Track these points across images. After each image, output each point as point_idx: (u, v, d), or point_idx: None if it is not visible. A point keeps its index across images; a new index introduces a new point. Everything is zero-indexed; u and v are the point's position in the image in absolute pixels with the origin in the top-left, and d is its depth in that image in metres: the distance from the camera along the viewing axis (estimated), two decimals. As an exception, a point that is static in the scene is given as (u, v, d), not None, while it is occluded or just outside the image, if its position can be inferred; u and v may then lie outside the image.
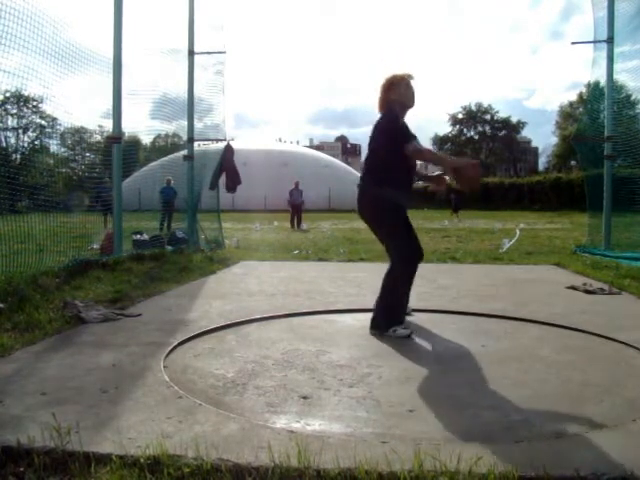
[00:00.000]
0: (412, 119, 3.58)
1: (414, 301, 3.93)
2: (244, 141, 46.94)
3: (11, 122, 9.67)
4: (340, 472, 1.59)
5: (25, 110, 9.24)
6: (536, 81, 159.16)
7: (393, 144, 3.33)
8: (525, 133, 80.00)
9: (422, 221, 18.17)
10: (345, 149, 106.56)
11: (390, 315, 3.39)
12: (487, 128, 71.00)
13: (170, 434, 1.87)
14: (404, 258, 3.39)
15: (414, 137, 3.36)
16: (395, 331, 3.32)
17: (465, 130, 71.52)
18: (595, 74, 8.66)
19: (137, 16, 6.78)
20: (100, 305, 4.10)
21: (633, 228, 8.03)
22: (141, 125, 7.99)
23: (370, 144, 3.50)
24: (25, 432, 1.83)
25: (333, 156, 59.41)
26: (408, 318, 3.70)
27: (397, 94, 3.47)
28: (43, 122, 9.25)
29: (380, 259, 7.47)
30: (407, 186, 3.49)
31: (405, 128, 3.41)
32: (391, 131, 3.37)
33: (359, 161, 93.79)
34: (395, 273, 3.38)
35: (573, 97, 55.79)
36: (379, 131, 3.46)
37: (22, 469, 1.65)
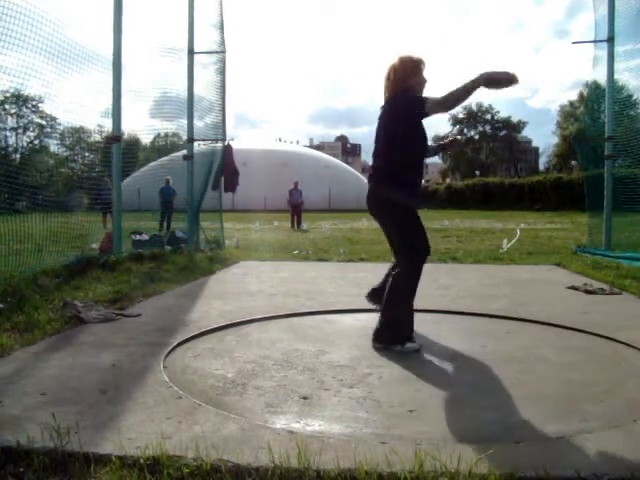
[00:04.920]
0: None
1: (415, 300, 3.93)
2: (244, 141, 46.93)
3: (11, 122, 9.66)
4: (340, 473, 1.59)
5: (24, 110, 9.24)
6: (540, 80, 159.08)
7: (412, 130, 3.07)
8: (526, 133, 80.00)
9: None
10: (345, 149, 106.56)
11: (397, 330, 3.10)
12: (487, 128, 70.99)
13: (170, 434, 1.86)
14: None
15: (425, 98, 3.01)
16: (404, 346, 3.05)
17: (465, 130, 71.49)
18: (596, 74, 8.66)
19: (137, 15, 6.78)
20: (100, 305, 4.10)
21: (633, 228, 8.02)
22: (141, 124, 8.00)
23: (380, 132, 3.16)
24: (24, 432, 1.82)
25: (333, 156, 59.42)
26: None
27: (419, 79, 3.11)
28: (42, 122, 9.25)
29: (380, 259, 7.47)
30: (418, 185, 3.28)
31: (417, 97, 3.04)
32: (409, 109, 3.03)
33: (359, 161, 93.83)
34: (403, 282, 3.15)
35: (576, 96, 55.54)
36: (395, 116, 3.11)
37: (22, 469, 1.65)
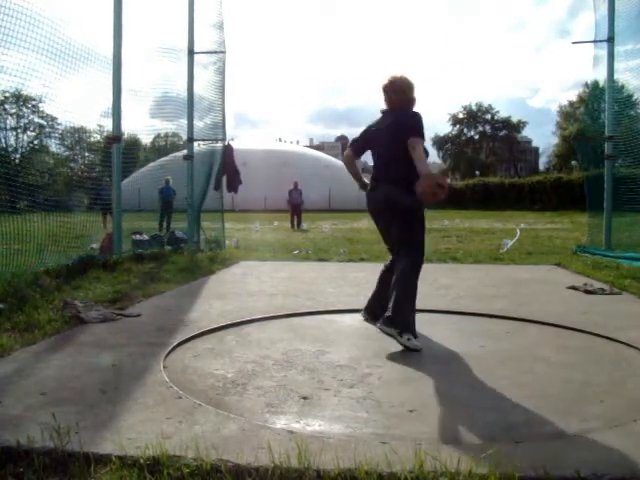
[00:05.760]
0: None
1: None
2: (244, 141, 46.92)
3: (10, 122, 9.67)
4: (340, 473, 1.59)
5: (24, 110, 9.25)
6: (541, 80, 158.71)
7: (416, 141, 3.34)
8: (526, 133, 79.77)
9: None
10: (345, 149, 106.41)
11: (411, 316, 3.17)
12: (487, 128, 70.98)
13: (170, 434, 1.86)
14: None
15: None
16: (409, 340, 3.06)
17: (465, 130, 71.49)
18: (596, 73, 8.66)
19: (137, 15, 6.78)
20: (100, 305, 4.10)
21: (633, 228, 8.02)
22: (141, 124, 8.00)
23: (396, 141, 3.37)
24: (25, 432, 1.82)
25: (333, 156, 59.31)
26: None
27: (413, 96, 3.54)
28: (42, 122, 9.25)
29: (380, 259, 7.46)
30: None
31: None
32: (419, 128, 3.36)
33: (359, 161, 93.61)
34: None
35: (576, 97, 55.47)
36: (410, 128, 3.34)
37: (22, 469, 1.65)
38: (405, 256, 3.34)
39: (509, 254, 8.62)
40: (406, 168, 3.28)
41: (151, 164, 10.27)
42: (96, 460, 1.67)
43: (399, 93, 3.48)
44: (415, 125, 3.34)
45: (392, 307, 3.18)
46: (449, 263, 7.66)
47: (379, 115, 3.62)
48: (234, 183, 9.54)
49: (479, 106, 70.77)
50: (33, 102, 8.57)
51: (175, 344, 3.10)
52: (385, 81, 3.53)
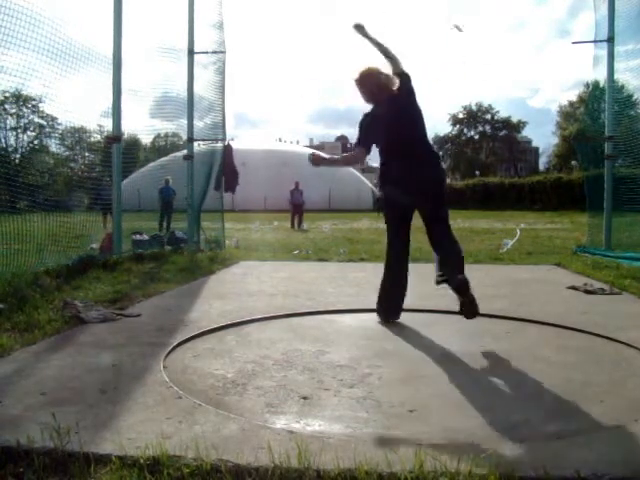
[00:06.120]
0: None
1: (415, 300, 3.94)
2: (244, 141, 46.92)
3: (10, 122, 9.67)
4: (340, 473, 1.59)
5: (24, 110, 9.24)
6: (541, 80, 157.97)
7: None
8: (526, 133, 79.63)
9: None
10: (345, 149, 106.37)
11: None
12: (487, 128, 70.97)
13: (170, 434, 1.86)
14: None
15: None
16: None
17: (465, 130, 71.48)
18: (596, 73, 8.66)
19: (137, 15, 6.78)
20: (100, 305, 4.10)
21: (633, 228, 8.02)
22: (141, 124, 8.00)
23: (410, 114, 3.67)
24: (24, 432, 1.82)
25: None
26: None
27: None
28: (42, 122, 9.25)
29: (380, 259, 7.45)
30: None
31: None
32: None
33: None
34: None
35: (576, 97, 55.46)
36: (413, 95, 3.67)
37: (22, 469, 1.65)
38: (448, 230, 3.72)
39: (509, 254, 8.62)
40: (427, 142, 3.70)
41: (151, 164, 10.26)
42: (96, 460, 1.67)
43: (384, 77, 3.74)
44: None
45: (458, 267, 3.70)
46: (449, 263, 7.64)
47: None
48: (232, 184, 9.55)
49: (479, 106, 70.79)
50: (33, 102, 8.56)
51: (175, 344, 3.10)
52: (360, 75, 3.79)
